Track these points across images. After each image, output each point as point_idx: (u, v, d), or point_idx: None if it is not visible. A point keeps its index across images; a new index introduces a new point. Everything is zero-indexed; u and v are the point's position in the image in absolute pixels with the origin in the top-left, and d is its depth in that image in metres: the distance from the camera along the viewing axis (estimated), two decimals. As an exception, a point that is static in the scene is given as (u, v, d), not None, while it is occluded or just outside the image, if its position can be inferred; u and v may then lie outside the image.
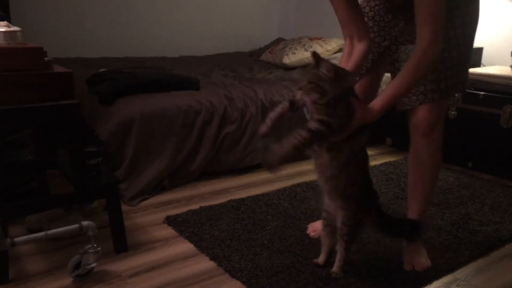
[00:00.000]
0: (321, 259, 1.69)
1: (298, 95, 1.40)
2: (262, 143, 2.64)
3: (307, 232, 1.94)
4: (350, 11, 1.58)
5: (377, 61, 1.76)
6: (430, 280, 1.66)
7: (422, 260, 1.72)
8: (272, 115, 1.44)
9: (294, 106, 1.43)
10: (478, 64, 3.04)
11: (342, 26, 1.62)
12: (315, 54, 1.42)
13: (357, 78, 1.78)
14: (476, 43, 3.06)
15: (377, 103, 1.47)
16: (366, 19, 1.71)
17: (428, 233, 1.97)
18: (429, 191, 1.74)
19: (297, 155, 1.39)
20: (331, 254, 1.68)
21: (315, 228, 1.93)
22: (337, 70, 1.38)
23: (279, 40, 4.05)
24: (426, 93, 1.59)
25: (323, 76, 1.37)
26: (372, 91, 1.83)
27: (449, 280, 1.67)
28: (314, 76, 1.38)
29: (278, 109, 1.44)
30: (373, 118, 1.47)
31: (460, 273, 1.72)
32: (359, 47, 1.59)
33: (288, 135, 1.39)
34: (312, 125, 1.38)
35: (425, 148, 1.67)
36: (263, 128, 1.44)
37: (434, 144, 1.66)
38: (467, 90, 2.77)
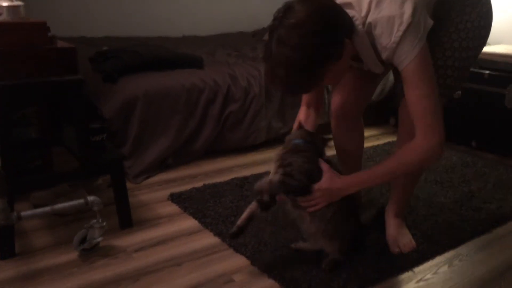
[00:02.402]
0: (300, 245, 1.66)
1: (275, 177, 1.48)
2: (265, 122, 2.64)
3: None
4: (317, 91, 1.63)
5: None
6: (433, 255, 1.67)
7: (407, 241, 1.70)
8: (243, 216, 1.51)
9: (263, 205, 1.49)
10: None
11: (304, 97, 1.67)
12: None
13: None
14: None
15: (351, 179, 1.48)
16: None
17: (431, 210, 1.98)
18: (415, 174, 1.69)
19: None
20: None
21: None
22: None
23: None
24: None
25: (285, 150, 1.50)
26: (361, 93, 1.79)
27: (452, 255, 1.69)
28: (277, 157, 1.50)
29: (247, 210, 1.51)
30: (343, 191, 1.47)
31: (463, 249, 1.73)
32: (314, 116, 1.65)
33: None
34: (276, 177, 1.47)
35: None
36: (233, 229, 1.51)
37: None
38: (472, 69, 2.75)
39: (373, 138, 2.97)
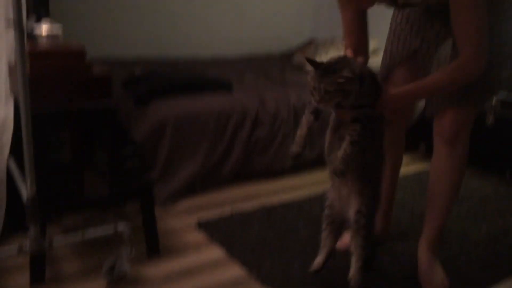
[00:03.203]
0: (318, 261, 1.55)
1: (320, 106, 1.37)
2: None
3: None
4: (357, 23, 1.56)
5: (407, 63, 1.68)
6: (468, 297, 1.61)
7: (440, 279, 1.63)
8: (301, 132, 1.43)
9: (318, 114, 1.43)
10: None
11: (347, 35, 1.59)
12: (309, 60, 1.37)
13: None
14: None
15: (398, 90, 1.45)
16: (399, 17, 1.66)
17: (465, 246, 1.92)
18: (447, 204, 1.64)
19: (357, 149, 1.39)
20: (329, 258, 1.56)
21: (344, 240, 1.88)
22: (353, 69, 1.33)
23: (311, 41, 4.02)
24: (451, 97, 1.52)
25: (340, 80, 1.32)
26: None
27: (488, 297, 1.63)
28: (330, 85, 1.32)
29: (304, 124, 1.43)
30: (387, 101, 1.44)
31: (499, 289, 1.67)
32: (359, 61, 1.54)
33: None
34: (353, 124, 1.38)
35: (447, 156, 1.59)
36: (295, 148, 1.42)
37: (457, 153, 1.59)
38: (507, 97, 2.68)
39: (403, 165, 2.91)
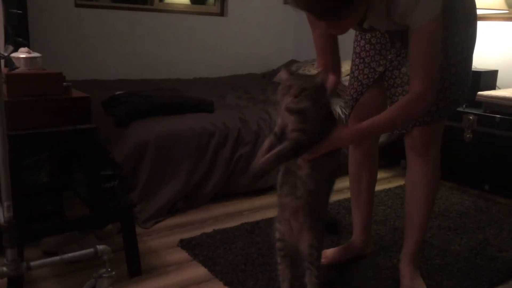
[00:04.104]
0: None
1: (288, 101, 1.36)
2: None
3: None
4: (330, 41, 1.57)
5: (373, 87, 1.70)
6: (449, 309, 1.62)
7: None
8: (262, 149, 1.43)
9: (279, 136, 1.43)
10: (493, 86, 3.02)
11: (319, 54, 1.60)
12: (288, 70, 1.41)
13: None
14: (491, 66, 3.07)
15: (351, 130, 1.47)
16: (362, 41, 1.70)
17: (446, 259, 1.94)
18: (424, 218, 1.67)
19: (278, 165, 1.40)
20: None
21: (327, 255, 1.89)
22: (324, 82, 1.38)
23: (292, 62, 4.08)
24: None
25: (317, 84, 1.35)
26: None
27: (469, 308, 1.64)
28: (308, 83, 1.35)
29: (266, 143, 1.43)
30: (344, 140, 1.45)
31: (480, 301, 1.68)
32: (332, 79, 1.57)
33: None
34: (293, 135, 1.37)
35: (420, 169, 1.63)
36: (255, 164, 1.41)
37: (429, 164, 1.62)
38: (483, 113, 2.75)
39: (384, 181, 2.95)
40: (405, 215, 1.73)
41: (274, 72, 4.08)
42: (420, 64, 1.37)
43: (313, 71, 3.49)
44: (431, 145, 1.60)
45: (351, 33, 1.74)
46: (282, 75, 1.43)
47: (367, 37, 1.69)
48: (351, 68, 1.78)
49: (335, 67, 1.59)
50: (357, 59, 1.74)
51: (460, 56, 1.53)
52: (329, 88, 1.52)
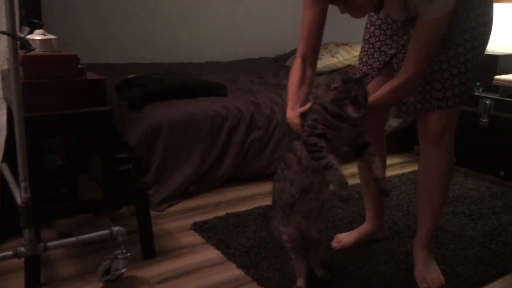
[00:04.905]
0: (302, 283, 1.58)
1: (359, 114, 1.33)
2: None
3: (331, 242, 1.90)
4: (317, 30, 1.55)
5: (383, 70, 1.69)
6: (464, 294, 1.62)
7: (435, 277, 1.65)
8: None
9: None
10: (510, 70, 2.96)
11: (302, 41, 1.56)
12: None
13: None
14: (509, 49, 3.01)
15: None
16: (372, 27, 1.68)
17: (460, 245, 1.93)
18: (437, 204, 1.66)
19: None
20: (308, 277, 1.59)
21: (340, 239, 1.89)
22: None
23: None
24: (431, 101, 1.54)
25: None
26: None
27: (484, 293, 1.63)
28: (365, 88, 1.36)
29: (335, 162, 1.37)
30: None
31: (495, 286, 1.67)
32: (310, 74, 1.55)
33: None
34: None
35: (433, 157, 1.61)
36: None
37: (442, 151, 1.60)
38: (500, 97, 2.70)
39: (398, 166, 2.93)
40: (417, 200, 1.72)
41: (286, 56, 4.05)
42: (421, 51, 1.42)
43: (326, 54, 3.45)
44: (445, 132, 1.58)
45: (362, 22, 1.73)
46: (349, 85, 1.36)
47: (377, 23, 1.68)
48: (360, 55, 1.77)
49: (313, 62, 1.58)
50: (366, 45, 1.72)
51: (476, 42, 1.50)
52: (311, 83, 1.56)
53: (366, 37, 1.72)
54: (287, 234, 1.53)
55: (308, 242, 1.56)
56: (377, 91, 1.49)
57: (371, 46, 1.70)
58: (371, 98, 1.44)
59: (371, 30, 1.70)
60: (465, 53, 1.49)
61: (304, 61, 1.55)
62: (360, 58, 1.77)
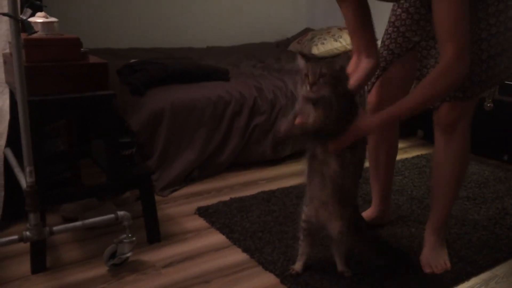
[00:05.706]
0: (298, 266, 1.59)
1: (305, 91, 1.33)
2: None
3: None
4: (359, 20, 1.49)
5: (405, 57, 1.65)
6: (468, 277, 1.62)
7: (441, 262, 1.65)
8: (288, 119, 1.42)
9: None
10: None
11: (351, 35, 1.54)
12: (302, 55, 1.38)
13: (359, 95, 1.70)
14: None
15: (379, 115, 1.40)
16: (399, 9, 1.63)
17: (464, 229, 1.93)
18: (450, 192, 1.64)
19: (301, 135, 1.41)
20: (307, 262, 1.60)
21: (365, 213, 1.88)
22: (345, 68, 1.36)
23: (307, 31, 4.00)
24: None
25: (335, 69, 1.32)
26: (401, 85, 1.70)
27: (488, 277, 1.63)
28: (325, 69, 1.31)
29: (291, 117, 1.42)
30: (370, 129, 1.42)
31: (499, 269, 1.67)
32: (365, 63, 1.50)
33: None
34: (315, 126, 1.35)
35: (446, 146, 1.58)
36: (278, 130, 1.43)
37: (457, 141, 1.57)
38: (505, 82, 2.68)
39: (401, 151, 2.91)
40: (431, 188, 1.71)
41: (288, 40, 4.01)
42: (451, 28, 1.28)
43: (329, 39, 3.42)
44: (460, 122, 1.54)
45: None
46: (300, 63, 1.38)
47: (404, 6, 1.61)
48: (382, 38, 1.71)
49: (369, 51, 1.50)
50: (390, 28, 1.67)
51: (503, 27, 1.42)
52: (363, 74, 1.49)
53: (392, 20, 1.66)
54: (306, 214, 1.52)
55: (330, 237, 1.55)
56: (410, 94, 1.38)
57: (395, 29, 1.65)
58: (403, 102, 1.36)
59: (398, 13, 1.64)
60: (489, 39, 1.42)
61: (358, 56, 1.52)
62: (383, 42, 1.70)
